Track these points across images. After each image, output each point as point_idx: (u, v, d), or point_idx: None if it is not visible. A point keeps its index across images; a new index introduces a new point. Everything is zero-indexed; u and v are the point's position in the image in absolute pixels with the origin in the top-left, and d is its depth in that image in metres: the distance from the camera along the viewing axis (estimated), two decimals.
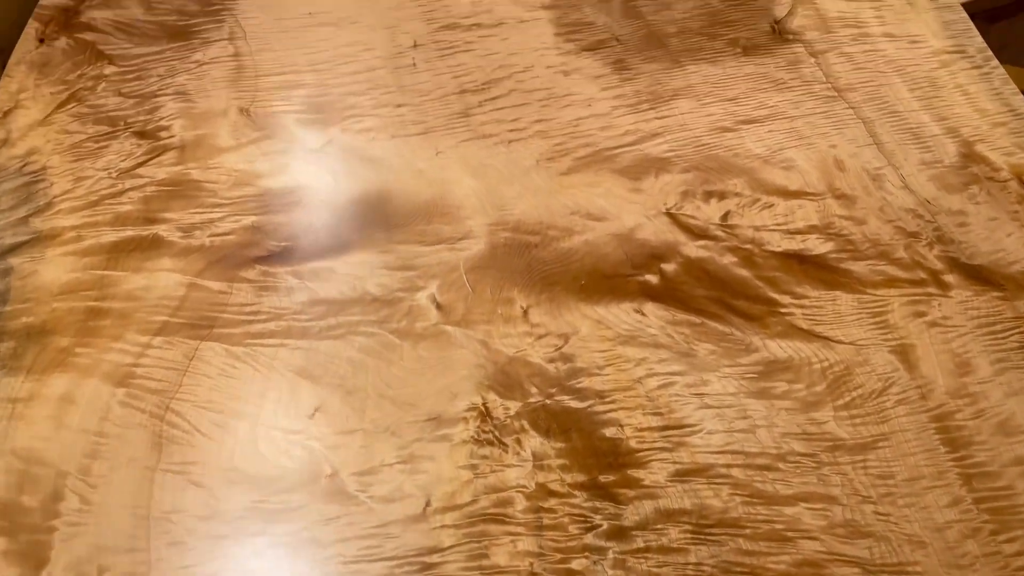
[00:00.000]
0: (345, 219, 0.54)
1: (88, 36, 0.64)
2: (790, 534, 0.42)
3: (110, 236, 0.52)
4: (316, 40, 0.65)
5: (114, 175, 0.55)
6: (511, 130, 0.60)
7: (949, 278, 0.53)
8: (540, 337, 0.49)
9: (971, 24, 0.70)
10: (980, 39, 0.68)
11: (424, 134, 0.59)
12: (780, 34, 0.68)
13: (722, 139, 0.60)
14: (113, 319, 0.48)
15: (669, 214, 0.55)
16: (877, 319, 0.51)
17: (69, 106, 0.59)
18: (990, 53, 0.67)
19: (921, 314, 0.51)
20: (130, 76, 0.61)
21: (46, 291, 0.49)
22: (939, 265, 0.54)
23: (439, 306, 0.50)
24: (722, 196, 0.57)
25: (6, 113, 0.58)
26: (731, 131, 0.61)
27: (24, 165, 0.56)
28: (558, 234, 0.54)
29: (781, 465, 0.45)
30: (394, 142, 0.58)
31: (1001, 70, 0.66)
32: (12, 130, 0.57)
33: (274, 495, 0.43)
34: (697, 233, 0.54)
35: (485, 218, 0.54)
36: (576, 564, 0.41)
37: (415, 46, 0.65)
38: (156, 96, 0.60)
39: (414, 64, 0.64)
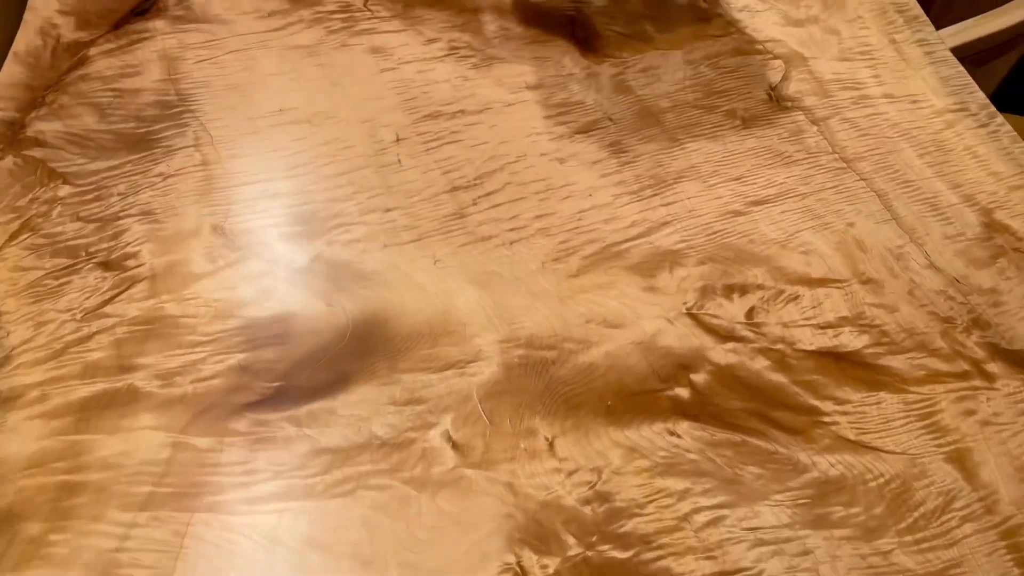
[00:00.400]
0: (341, 348, 0.49)
1: (37, 153, 0.58)
2: None
3: (80, 391, 0.46)
4: (290, 140, 0.60)
5: (79, 317, 0.49)
6: (511, 229, 0.55)
7: (992, 367, 0.50)
8: (571, 474, 0.45)
9: (970, 79, 0.67)
10: (981, 94, 0.66)
11: (419, 240, 0.54)
12: (777, 101, 0.65)
13: (734, 224, 0.57)
14: (90, 495, 0.43)
15: (691, 314, 0.51)
16: (927, 422, 0.47)
17: (22, 237, 0.53)
18: (993, 109, 0.65)
19: (971, 412, 0.48)
20: (88, 197, 0.56)
21: (11, 466, 0.43)
22: (980, 353, 0.50)
23: (455, 445, 0.45)
24: (744, 290, 0.53)
25: None
26: (742, 214, 0.57)
27: None
28: (575, 347, 0.50)
29: None
30: (387, 252, 0.54)
31: (1008, 127, 0.64)
32: None
33: None
34: (723, 335, 0.50)
35: (495, 334, 0.50)
36: None
37: (398, 140, 0.60)
38: (119, 218, 0.54)
39: (399, 161, 0.59)
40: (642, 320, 0.51)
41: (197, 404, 0.46)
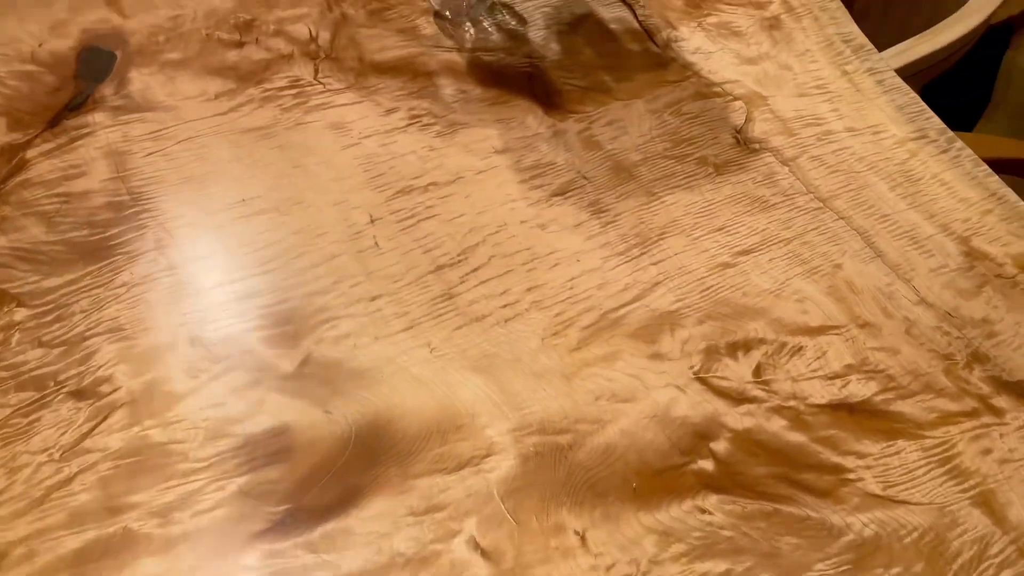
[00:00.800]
0: (347, 459, 0.46)
1: None
2: None
3: (69, 543, 0.43)
4: (258, 233, 0.57)
5: (57, 456, 0.46)
6: (504, 306, 0.54)
7: (999, 402, 0.50)
8: (608, 569, 0.43)
9: (924, 105, 0.69)
10: (937, 119, 0.67)
11: (410, 329, 0.52)
12: (745, 144, 0.65)
13: (725, 277, 0.56)
14: None
15: (700, 379, 0.50)
16: (947, 467, 0.47)
17: None
18: (951, 134, 0.66)
19: (987, 451, 0.48)
20: (48, 318, 0.52)
21: None
22: (985, 388, 0.51)
23: (484, 553, 0.43)
24: (747, 347, 0.52)
25: None
26: (732, 266, 0.57)
27: None
28: (589, 427, 0.48)
29: None
30: (380, 345, 0.51)
31: (967, 150, 0.65)
32: None
33: None
34: (735, 398, 0.50)
35: (505, 423, 0.48)
36: None
37: (372, 221, 0.58)
38: (86, 339, 0.51)
39: (376, 244, 0.57)
40: (652, 391, 0.50)
41: (201, 541, 0.43)
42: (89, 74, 0.68)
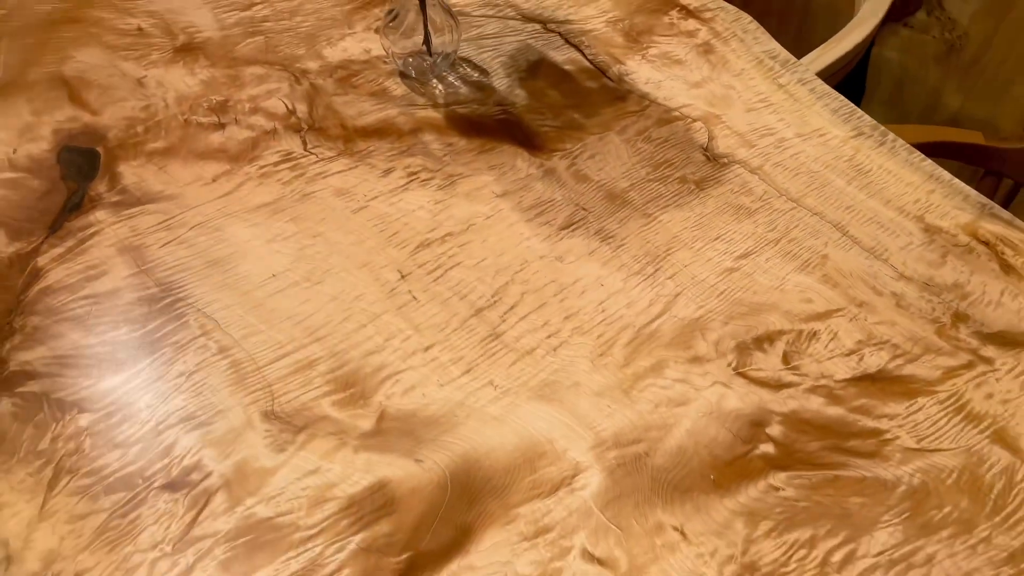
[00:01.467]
0: (449, 501, 0.49)
1: (33, 387, 0.53)
2: None
3: None
4: (297, 305, 0.59)
5: (169, 550, 0.46)
6: (548, 336, 0.58)
7: (987, 351, 0.58)
8: (712, 555, 0.47)
9: (854, 105, 0.77)
10: (868, 117, 0.76)
11: (469, 371, 0.55)
12: (715, 160, 0.72)
13: (733, 280, 0.62)
14: None
15: (739, 374, 0.56)
16: (962, 414, 0.54)
17: (61, 483, 0.49)
18: (883, 128, 0.75)
19: (990, 395, 0.56)
20: (115, 419, 0.52)
21: None
22: (973, 342, 0.59)
23: (600, 561, 0.47)
24: (771, 339, 0.58)
25: None
26: (736, 270, 0.63)
27: None
28: (659, 434, 0.53)
29: None
30: (446, 391, 0.54)
31: (899, 140, 0.74)
32: (8, 541, 0.46)
33: None
34: (774, 385, 0.55)
35: (583, 443, 0.52)
36: None
37: (403, 277, 0.61)
38: (160, 432, 0.51)
39: (414, 297, 0.60)
40: (702, 391, 0.55)
41: None
42: (76, 174, 0.68)
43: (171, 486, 0.49)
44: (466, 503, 0.49)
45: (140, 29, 0.82)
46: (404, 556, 0.47)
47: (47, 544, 0.46)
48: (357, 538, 0.47)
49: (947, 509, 0.50)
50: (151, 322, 0.57)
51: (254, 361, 0.55)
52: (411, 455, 0.51)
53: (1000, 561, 0.48)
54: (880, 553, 0.48)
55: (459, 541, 0.47)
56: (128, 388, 0.54)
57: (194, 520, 0.47)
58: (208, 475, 0.49)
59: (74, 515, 0.47)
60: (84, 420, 0.52)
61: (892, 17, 1.40)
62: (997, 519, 0.49)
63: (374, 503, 0.49)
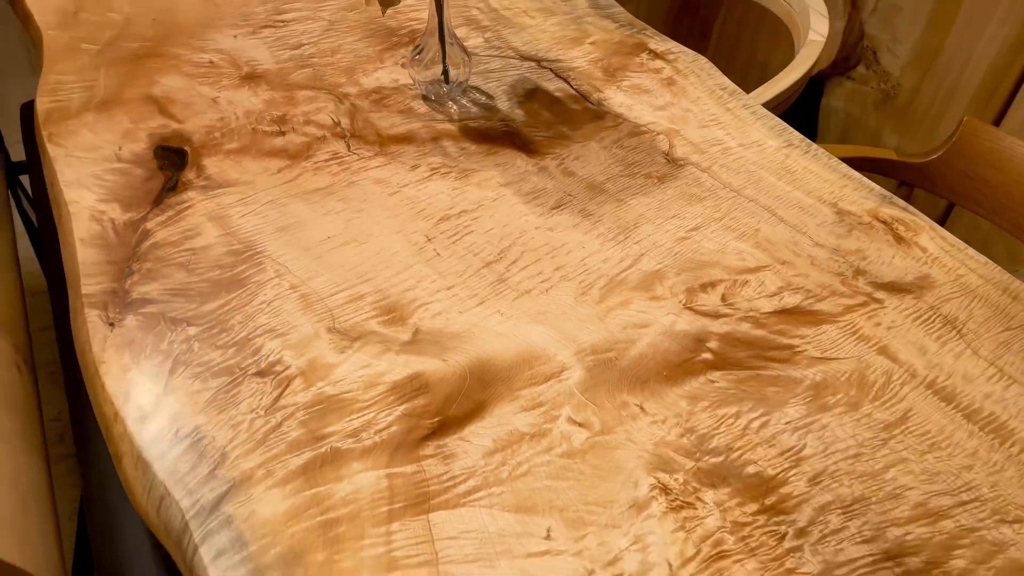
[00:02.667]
0: (468, 386, 0.66)
1: (152, 309, 0.70)
2: (897, 489, 0.60)
3: (294, 461, 0.60)
4: (349, 258, 0.76)
5: (262, 413, 0.63)
6: (542, 281, 0.75)
7: (879, 295, 0.76)
8: (663, 422, 0.64)
9: (787, 124, 0.97)
10: (798, 133, 0.96)
11: (482, 304, 0.73)
12: (674, 162, 0.91)
13: (686, 246, 0.80)
14: (346, 524, 0.56)
15: (688, 308, 0.73)
16: (857, 335, 0.72)
17: (179, 372, 0.66)
18: (809, 141, 0.95)
19: (879, 324, 0.73)
20: (215, 331, 0.69)
21: (276, 523, 0.56)
22: (868, 289, 0.76)
23: (579, 424, 0.64)
24: (713, 285, 0.76)
25: (127, 393, 0.64)
26: (688, 239, 0.81)
27: (176, 431, 0.61)
28: (626, 345, 0.70)
29: (865, 449, 0.63)
30: (465, 316, 0.71)
31: (822, 150, 0.93)
32: (142, 405, 0.63)
33: None
34: (714, 315, 0.73)
35: (568, 350, 0.69)
36: (789, 564, 0.56)
37: (429, 240, 0.79)
38: (250, 340, 0.68)
39: (438, 254, 0.77)
40: (660, 319, 0.72)
41: (388, 446, 0.61)
42: (170, 165, 0.86)
43: (260, 374, 0.66)
44: (480, 387, 0.66)
45: (212, 63, 1.01)
46: (435, 419, 0.63)
47: (171, 409, 0.63)
48: (400, 408, 0.64)
49: (840, 395, 0.67)
50: (237, 267, 0.75)
51: (318, 294, 0.73)
52: (439, 356, 0.68)
53: (877, 427, 0.65)
54: (788, 423, 0.65)
55: (476, 411, 0.64)
56: (223, 310, 0.71)
57: (279, 396, 0.64)
58: (288, 367, 0.66)
59: (190, 391, 0.64)
60: (192, 331, 0.69)
61: (837, 71, 1.62)
62: (877, 403, 0.67)
63: (412, 386, 0.65)
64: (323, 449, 0.61)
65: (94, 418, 0.67)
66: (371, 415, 0.63)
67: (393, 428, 0.62)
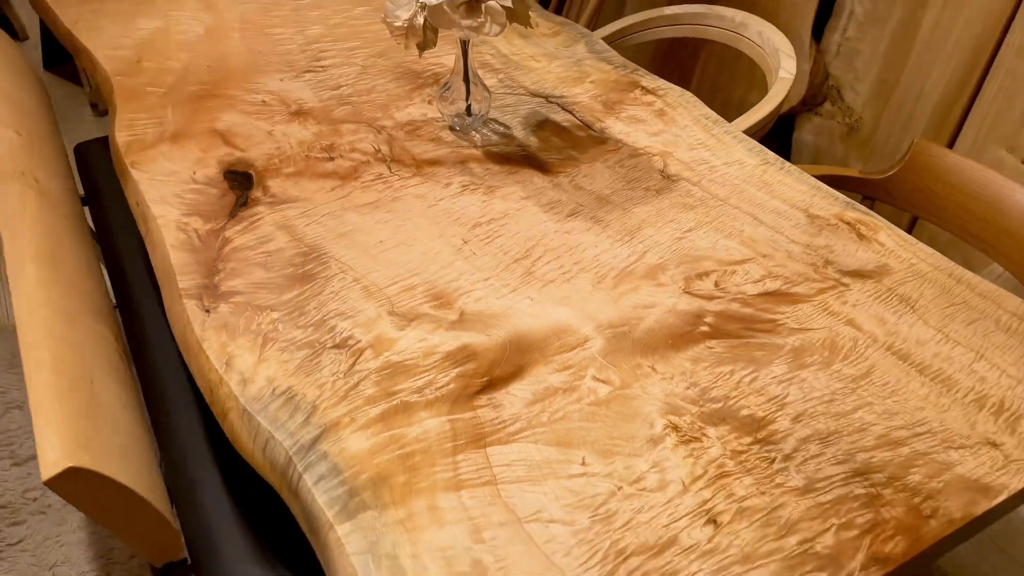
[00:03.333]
0: (509, 354, 0.79)
1: (239, 299, 0.84)
2: (864, 425, 0.74)
3: (373, 411, 0.73)
4: (400, 257, 0.90)
5: (342, 376, 0.76)
6: (563, 273, 0.90)
7: (845, 280, 0.91)
8: (672, 378, 0.78)
9: (763, 146, 1.13)
10: (773, 153, 1.12)
11: (515, 291, 0.87)
12: (668, 178, 1.06)
13: (683, 244, 0.95)
14: (420, 455, 0.69)
15: (687, 292, 0.88)
16: (827, 311, 0.86)
17: (268, 347, 0.79)
18: (783, 159, 1.10)
19: (845, 302, 0.88)
20: (295, 314, 0.82)
21: (362, 456, 0.69)
22: (836, 275, 0.91)
23: (602, 381, 0.77)
24: (707, 274, 0.90)
25: (227, 363, 0.77)
26: (684, 239, 0.96)
27: (272, 390, 0.75)
28: (637, 321, 0.84)
29: (837, 396, 0.77)
30: (501, 301, 0.85)
31: (795, 167, 1.09)
32: (241, 371, 0.76)
33: (583, 507, 0.66)
34: (709, 297, 0.87)
35: (589, 326, 0.83)
36: (779, 480, 0.69)
37: (465, 242, 0.93)
38: (325, 321, 0.82)
39: (474, 253, 0.92)
40: (665, 300, 0.87)
41: (447, 399, 0.75)
42: (239, 186, 1.00)
43: (337, 347, 0.79)
44: (519, 354, 0.80)
45: (264, 102, 1.16)
46: (484, 379, 0.77)
47: (266, 373, 0.76)
48: (455, 371, 0.77)
49: (815, 356, 0.81)
50: (306, 265, 0.89)
51: (376, 286, 0.87)
52: (483, 332, 0.82)
53: (846, 380, 0.79)
54: (773, 377, 0.79)
55: (516, 372, 0.78)
56: (299, 299, 0.84)
57: (354, 363, 0.78)
58: (359, 341, 0.80)
59: (280, 360, 0.77)
60: (275, 315, 0.82)
61: (806, 108, 1.79)
62: (845, 362, 0.81)
63: (462, 354, 0.79)
64: (395, 402, 0.74)
65: (167, 402, 0.79)
66: (431, 376, 0.77)
67: (450, 386, 0.76)
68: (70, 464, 0.63)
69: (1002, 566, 1.39)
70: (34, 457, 1.38)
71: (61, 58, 2.56)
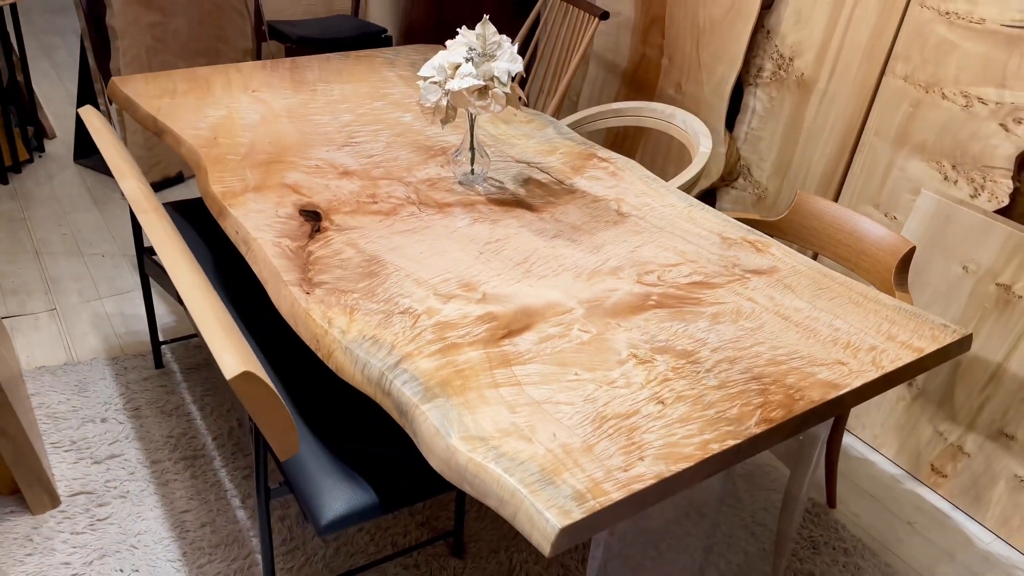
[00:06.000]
0: (520, 317, 1.17)
1: (328, 286, 1.20)
2: (757, 353, 1.13)
3: (432, 347, 1.09)
4: (436, 262, 1.28)
5: (407, 328, 1.12)
6: (552, 271, 1.28)
7: (748, 275, 1.31)
8: (631, 330, 1.16)
9: (687, 194, 1.55)
10: (697, 200, 1.54)
11: (520, 281, 1.25)
12: (622, 215, 1.47)
13: (636, 255, 1.35)
14: (468, 370, 1.05)
15: (639, 282, 1.27)
16: (735, 292, 1.26)
17: (356, 314, 1.15)
18: (701, 202, 1.52)
19: (747, 287, 1.28)
20: (369, 296, 1.19)
21: (430, 371, 1.05)
22: (741, 273, 1.32)
23: (586, 331, 1.15)
24: (652, 271, 1.30)
25: (329, 322, 1.12)
26: (635, 251, 1.35)
27: (363, 337, 1.10)
28: (607, 297, 1.22)
29: (740, 338, 1.16)
30: (511, 287, 1.23)
31: (714, 209, 1.51)
32: (340, 327, 1.12)
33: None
34: (653, 285, 1.27)
35: (573, 301, 1.21)
36: (703, 381, 1.07)
37: (480, 253, 1.31)
38: (391, 300, 1.18)
39: (488, 260, 1.30)
40: (623, 286, 1.25)
41: (481, 341, 1.11)
42: (311, 219, 1.37)
43: (402, 313, 1.15)
44: (526, 317, 1.17)
45: (317, 166, 1.55)
46: (505, 331, 1.14)
47: (357, 328, 1.12)
48: (484, 327, 1.14)
49: (727, 318, 1.20)
50: (371, 267, 1.25)
51: (423, 279, 1.24)
52: (500, 305, 1.19)
53: (747, 330, 1.17)
54: (698, 328, 1.17)
55: (526, 327, 1.15)
56: (370, 286, 1.21)
57: (415, 321, 1.14)
58: (417, 310, 1.16)
59: (364, 321, 1.13)
60: (355, 296, 1.19)
61: (724, 183, 2.25)
62: (745, 321, 1.20)
63: (488, 318, 1.16)
64: (447, 342, 1.10)
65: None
66: (469, 329, 1.13)
67: (483, 334, 1.12)
68: (245, 369, 0.97)
69: (907, 537, 1.74)
70: (111, 456, 1.67)
71: (89, 152, 2.93)
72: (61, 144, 3.07)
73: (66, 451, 1.67)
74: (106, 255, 2.36)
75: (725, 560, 1.57)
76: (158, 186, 2.80)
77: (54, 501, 1.55)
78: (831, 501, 1.72)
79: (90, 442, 1.70)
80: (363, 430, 1.27)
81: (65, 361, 1.95)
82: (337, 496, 1.15)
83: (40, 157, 2.96)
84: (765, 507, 1.70)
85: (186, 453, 1.69)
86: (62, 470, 1.63)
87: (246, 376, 0.97)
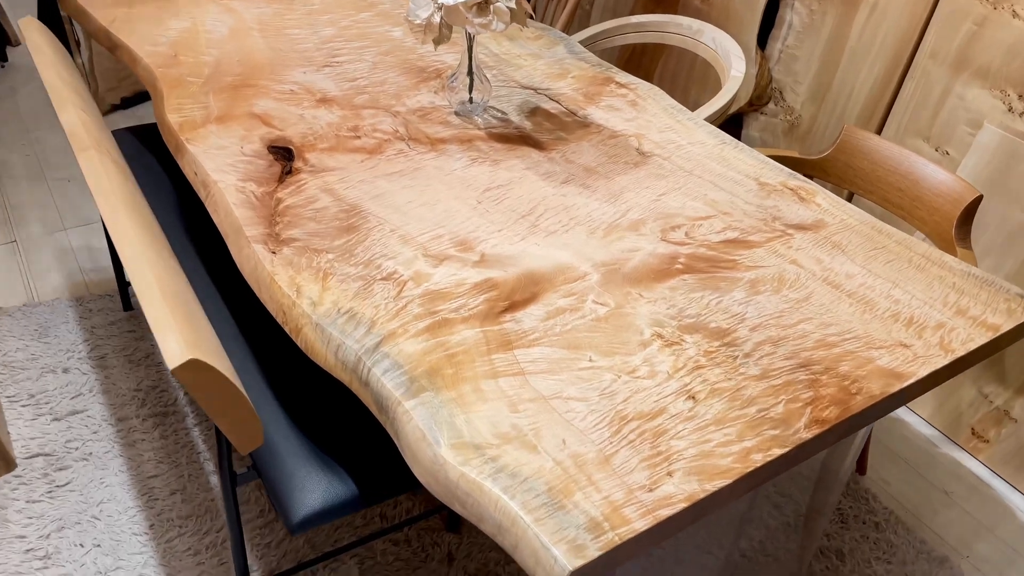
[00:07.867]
0: (524, 285, 0.98)
1: (298, 244, 1.02)
2: (805, 332, 0.95)
3: (420, 324, 0.91)
4: (427, 213, 1.09)
5: (392, 299, 0.94)
6: (563, 225, 1.09)
7: (790, 231, 1.12)
8: (655, 302, 0.98)
9: (719, 129, 1.34)
10: (729, 135, 1.33)
11: (524, 239, 1.06)
12: (643, 154, 1.27)
13: (659, 204, 1.15)
14: (462, 355, 0.88)
15: (664, 240, 1.08)
16: (777, 253, 1.07)
17: (329, 279, 0.97)
18: (737, 140, 1.32)
19: (790, 247, 1.09)
20: (346, 255, 1.00)
21: (416, 355, 0.87)
22: (783, 228, 1.12)
23: (601, 304, 0.97)
24: (679, 226, 1.11)
25: (297, 290, 0.94)
26: (659, 200, 1.16)
27: (337, 310, 0.92)
28: (626, 261, 1.04)
29: (784, 313, 0.97)
30: (515, 246, 1.05)
31: (747, 147, 1.31)
32: (311, 296, 0.94)
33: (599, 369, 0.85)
34: (681, 243, 1.08)
35: (586, 264, 1.03)
36: (742, 370, 0.89)
37: (479, 203, 1.12)
38: (372, 261, 1.00)
39: (488, 211, 1.11)
40: (646, 245, 1.07)
41: (479, 317, 0.93)
42: (282, 158, 1.18)
43: (384, 279, 0.97)
44: (532, 285, 0.99)
45: (292, 91, 1.34)
46: (506, 303, 0.96)
47: (330, 298, 0.94)
48: (482, 296, 0.96)
49: (767, 286, 1.02)
50: (350, 219, 1.07)
51: (410, 235, 1.05)
52: (501, 269, 1.01)
53: (792, 302, 0.99)
54: (735, 301, 0.99)
55: (531, 298, 0.97)
56: (348, 244, 1.02)
57: (400, 291, 0.96)
58: (402, 275, 0.98)
59: (340, 289, 0.95)
60: (330, 256, 1.00)
61: (752, 108, 2.03)
62: (791, 290, 1.01)
63: (486, 285, 0.98)
64: (437, 318, 0.92)
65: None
66: (463, 300, 0.95)
67: (480, 307, 0.94)
68: (191, 356, 0.80)
69: (943, 508, 1.61)
70: (73, 412, 1.52)
71: None
72: (27, 53, 2.82)
73: (23, 406, 1.52)
74: (72, 180, 2.16)
75: (744, 535, 1.44)
76: (138, 99, 2.57)
77: (9, 465, 1.41)
78: (861, 468, 1.58)
79: (50, 396, 1.54)
80: (344, 410, 1.11)
81: (24, 302, 1.78)
82: (312, 488, 1.00)
83: (2, 67, 2.72)
84: (791, 475, 1.56)
85: (155, 409, 1.54)
86: (18, 428, 1.48)
87: (193, 364, 0.80)
